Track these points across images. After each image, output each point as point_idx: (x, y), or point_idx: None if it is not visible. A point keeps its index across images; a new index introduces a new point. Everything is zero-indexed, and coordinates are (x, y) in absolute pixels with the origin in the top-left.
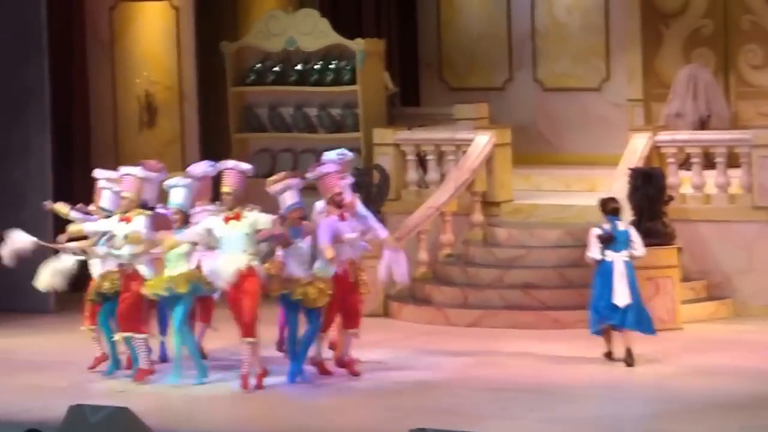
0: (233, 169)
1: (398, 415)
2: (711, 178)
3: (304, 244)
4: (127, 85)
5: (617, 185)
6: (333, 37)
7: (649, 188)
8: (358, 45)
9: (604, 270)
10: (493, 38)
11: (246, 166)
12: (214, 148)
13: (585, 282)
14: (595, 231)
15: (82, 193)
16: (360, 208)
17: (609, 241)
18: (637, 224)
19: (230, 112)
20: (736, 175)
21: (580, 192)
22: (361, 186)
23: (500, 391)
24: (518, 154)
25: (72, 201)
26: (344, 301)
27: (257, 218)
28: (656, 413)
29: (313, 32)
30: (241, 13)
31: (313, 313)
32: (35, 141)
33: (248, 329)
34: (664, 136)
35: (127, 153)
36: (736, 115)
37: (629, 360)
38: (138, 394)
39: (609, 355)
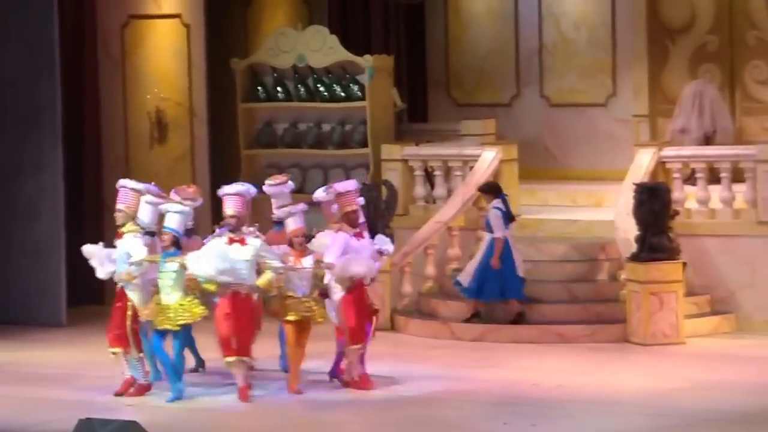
0: (124, 186)
1: (401, 429)
2: (716, 193)
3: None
4: (138, 101)
5: (623, 200)
6: (342, 54)
7: (654, 203)
8: (367, 61)
9: (508, 246)
10: (501, 54)
11: (135, 184)
12: (223, 164)
13: (591, 297)
14: (496, 213)
15: (93, 208)
16: (322, 240)
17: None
18: (642, 239)
19: (240, 128)
20: (740, 190)
21: (586, 207)
22: (369, 201)
23: (503, 406)
24: (525, 170)
25: (82, 214)
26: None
27: (131, 243)
28: (658, 428)
29: (323, 49)
30: (251, 30)
31: (174, 336)
32: (48, 156)
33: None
34: (669, 151)
35: (138, 169)
36: (741, 130)
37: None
38: (147, 408)
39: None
